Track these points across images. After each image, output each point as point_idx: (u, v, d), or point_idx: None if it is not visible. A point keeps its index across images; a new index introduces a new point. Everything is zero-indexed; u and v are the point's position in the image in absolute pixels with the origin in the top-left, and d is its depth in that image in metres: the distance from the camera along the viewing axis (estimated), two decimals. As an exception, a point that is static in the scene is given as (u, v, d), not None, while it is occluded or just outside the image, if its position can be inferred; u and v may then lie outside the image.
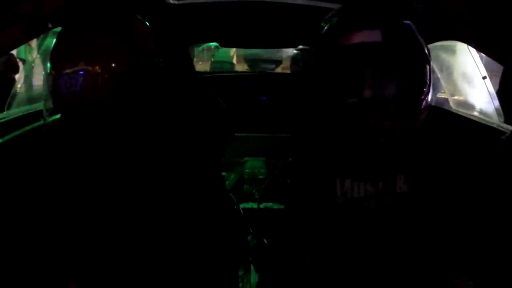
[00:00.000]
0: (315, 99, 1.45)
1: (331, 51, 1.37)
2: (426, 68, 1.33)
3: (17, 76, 6.45)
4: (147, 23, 1.45)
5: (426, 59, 1.34)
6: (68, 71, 1.32)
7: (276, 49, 5.61)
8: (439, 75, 3.21)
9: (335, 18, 1.43)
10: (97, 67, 1.32)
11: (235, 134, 1.72)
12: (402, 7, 1.49)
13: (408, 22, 1.38)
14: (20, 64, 6.61)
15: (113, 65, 1.34)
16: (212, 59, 6.63)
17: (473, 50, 2.75)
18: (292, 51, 5.13)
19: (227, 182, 3.11)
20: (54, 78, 1.35)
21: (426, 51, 1.36)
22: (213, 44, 5.22)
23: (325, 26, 1.43)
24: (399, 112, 1.31)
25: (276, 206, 2.74)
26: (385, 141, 1.34)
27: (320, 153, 1.49)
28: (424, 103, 1.33)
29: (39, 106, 2.31)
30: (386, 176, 1.40)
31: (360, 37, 1.31)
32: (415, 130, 1.36)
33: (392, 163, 1.40)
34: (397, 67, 1.31)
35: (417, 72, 1.33)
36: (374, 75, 1.29)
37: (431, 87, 1.34)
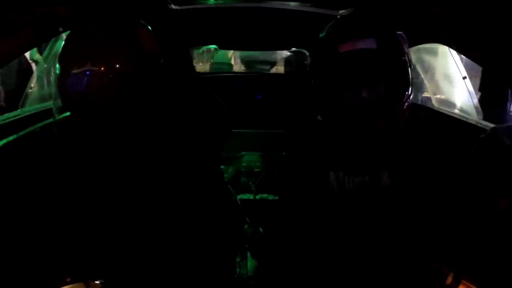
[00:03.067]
0: (311, 99, 1.46)
1: (330, 56, 1.37)
2: (409, 73, 1.36)
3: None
4: (149, 27, 1.45)
5: (410, 65, 1.37)
6: (75, 71, 1.31)
7: (271, 51, 5.62)
8: (422, 76, 3.21)
9: (335, 27, 1.44)
10: (102, 68, 1.31)
11: (233, 130, 1.73)
12: (394, 17, 1.50)
13: (400, 32, 1.40)
14: (33, 65, 6.58)
15: (117, 66, 1.34)
16: (212, 61, 6.62)
17: (454, 52, 2.76)
18: (285, 53, 5.13)
19: (225, 175, 3.12)
20: (62, 78, 1.35)
21: (409, 58, 1.38)
22: (213, 46, 5.22)
23: (325, 33, 1.44)
24: (388, 111, 1.33)
25: (271, 197, 2.74)
26: (372, 138, 1.35)
27: (311, 149, 1.50)
28: (407, 103, 1.35)
29: (50, 104, 2.31)
30: (371, 172, 1.41)
31: (357, 44, 1.33)
32: (398, 127, 1.38)
33: (377, 159, 1.41)
34: (387, 71, 1.33)
35: (403, 76, 1.35)
36: (368, 79, 1.32)
37: (412, 89, 1.37)
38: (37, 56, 6.00)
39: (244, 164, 3.31)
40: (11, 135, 1.66)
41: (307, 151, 1.51)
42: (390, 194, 1.40)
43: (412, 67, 1.38)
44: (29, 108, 2.38)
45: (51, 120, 1.94)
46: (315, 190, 1.45)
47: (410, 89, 1.35)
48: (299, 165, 1.52)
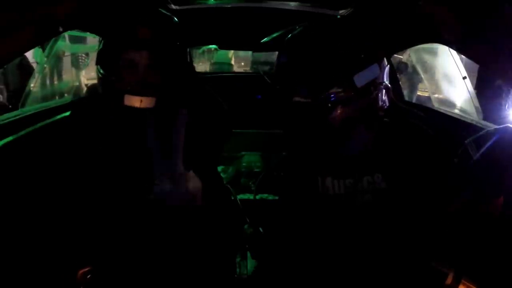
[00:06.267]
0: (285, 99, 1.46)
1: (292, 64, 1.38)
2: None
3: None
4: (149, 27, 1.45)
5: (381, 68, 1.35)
6: None
7: (271, 52, 5.62)
8: (422, 75, 3.21)
9: (299, 32, 1.43)
10: None
11: (233, 130, 1.72)
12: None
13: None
14: (35, 65, 6.58)
15: None
16: (212, 61, 6.63)
17: (454, 52, 2.76)
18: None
19: (225, 175, 3.12)
20: None
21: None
22: (213, 46, 5.22)
23: (289, 41, 1.43)
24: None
25: (271, 197, 2.74)
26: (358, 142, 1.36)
27: (307, 151, 1.50)
28: (381, 110, 1.36)
29: (50, 104, 2.30)
30: (366, 175, 1.41)
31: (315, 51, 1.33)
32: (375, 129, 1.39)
33: (371, 162, 1.41)
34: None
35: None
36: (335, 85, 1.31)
37: (386, 100, 1.36)
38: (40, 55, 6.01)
39: (244, 164, 3.31)
40: (11, 135, 1.66)
41: (303, 153, 1.51)
42: (387, 195, 1.39)
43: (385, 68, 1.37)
44: (29, 108, 2.38)
45: (51, 120, 1.94)
46: (312, 191, 1.45)
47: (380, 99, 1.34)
48: (297, 166, 1.52)
